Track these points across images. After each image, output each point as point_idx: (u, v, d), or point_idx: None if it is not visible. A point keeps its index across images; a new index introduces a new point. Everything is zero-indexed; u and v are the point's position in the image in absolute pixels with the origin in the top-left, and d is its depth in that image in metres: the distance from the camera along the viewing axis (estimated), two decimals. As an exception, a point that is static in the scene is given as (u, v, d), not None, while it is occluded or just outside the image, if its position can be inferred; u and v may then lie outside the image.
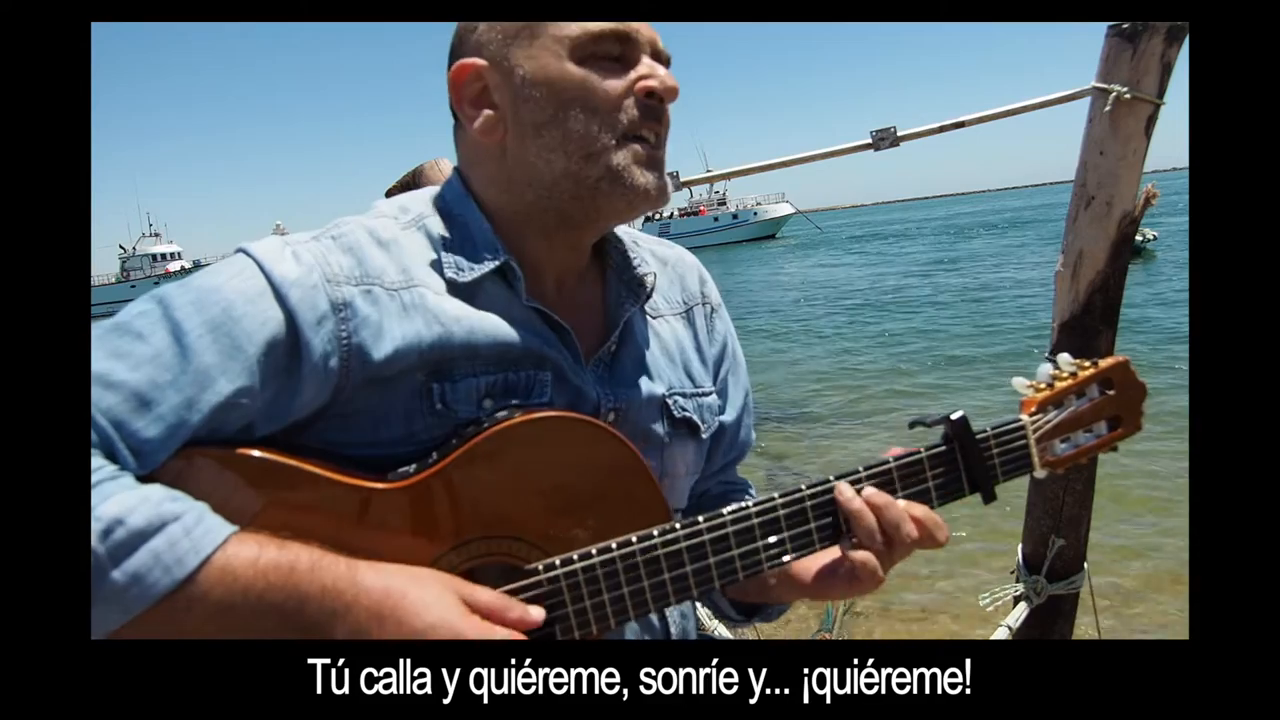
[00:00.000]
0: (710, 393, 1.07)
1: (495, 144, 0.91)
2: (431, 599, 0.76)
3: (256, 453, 0.79)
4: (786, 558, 0.90)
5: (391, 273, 0.86)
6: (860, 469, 0.92)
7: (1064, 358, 1.02)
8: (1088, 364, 1.02)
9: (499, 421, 0.84)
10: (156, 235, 62.53)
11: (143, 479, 0.74)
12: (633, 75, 0.89)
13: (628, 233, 1.07)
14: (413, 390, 0.84)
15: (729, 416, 1.11)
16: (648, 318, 1.03)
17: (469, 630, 0.75)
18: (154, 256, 59.19)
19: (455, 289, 0.88)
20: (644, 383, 0.98)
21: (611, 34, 0.88)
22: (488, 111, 0.90)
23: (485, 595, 0.79)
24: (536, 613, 0.80)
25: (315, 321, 0.80)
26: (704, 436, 1.04)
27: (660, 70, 0.90)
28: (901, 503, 0.91)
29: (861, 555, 0.90)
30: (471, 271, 0.88)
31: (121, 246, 61.45)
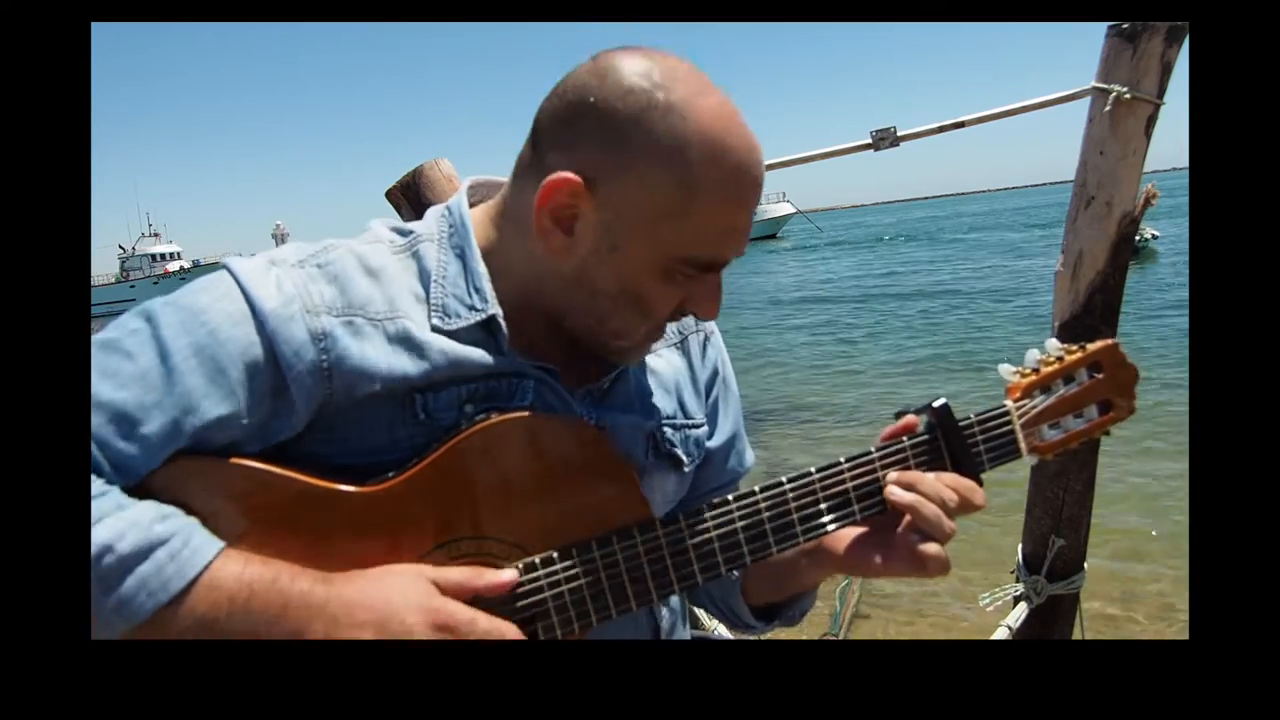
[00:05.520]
0: (701, 424, 1.07)
1: (551, 258, 0.87)
2: (400, 583, 0.79)
3: (244, 462, 0.80)
4: (769, 552, 0.90)
5: (377, 302, 0.85)
6: (841, 460, 0.93)
7: (1051, 343, 1.01)
8: (1075, 348, 1.01)
9: (477, 423, 0.85)
10: (156, 235, 62.38)
11: (134, 488, 0.76)
12: (694, 289, 0.89)
13: None
14: (396, 402, 0.85)
15: (716, 442, 1.10)
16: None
17: (439, 605, 0.78)
18: (153, 256, 59.04)
19: (439, 330, 0.87)
20: (633, 413, 0.99)
21: (708, 263, 0.87)
22: (563, 236, 0.85)
23: (454, 572, 0.82)
24: (508, 574, 0.83)
25: (293, 352, 0.80)
26: (686, 470, 1.05)
27: (715, 302, 0.91)
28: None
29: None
30: (456, 321, 0.87)
31: (121, 246, 61.30)
